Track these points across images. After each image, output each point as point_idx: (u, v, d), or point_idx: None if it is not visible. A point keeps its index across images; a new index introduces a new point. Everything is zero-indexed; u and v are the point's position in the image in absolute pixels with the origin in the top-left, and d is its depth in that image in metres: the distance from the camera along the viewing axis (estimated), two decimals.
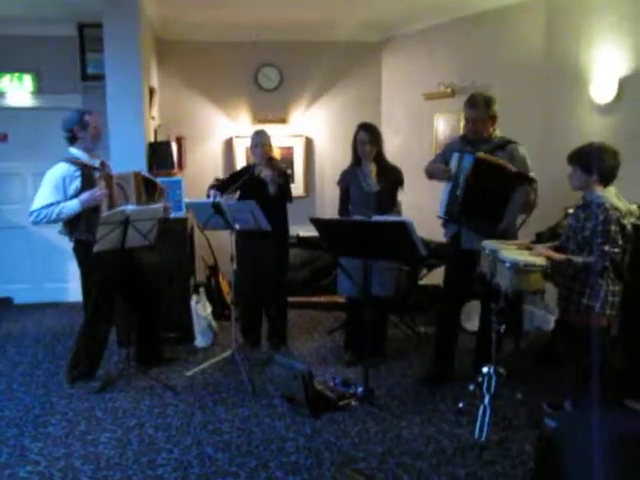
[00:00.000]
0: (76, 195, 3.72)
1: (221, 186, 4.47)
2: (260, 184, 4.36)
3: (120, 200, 3.83)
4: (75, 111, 3.89)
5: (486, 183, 3.46)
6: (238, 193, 4.51)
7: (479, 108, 3.63)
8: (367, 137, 4.12)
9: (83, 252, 3.79)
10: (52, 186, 3.71)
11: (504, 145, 3.65)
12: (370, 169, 4.16)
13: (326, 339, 4.87)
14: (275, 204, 4.39)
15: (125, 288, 4.02)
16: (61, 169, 3.75)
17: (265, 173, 4.35)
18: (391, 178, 4.19)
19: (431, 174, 3.94)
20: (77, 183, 3.74)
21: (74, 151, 3.84)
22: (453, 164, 3.67)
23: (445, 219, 3.79)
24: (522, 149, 3.65)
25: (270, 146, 4.55)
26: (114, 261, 3.77)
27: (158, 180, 4.26)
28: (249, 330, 4.67)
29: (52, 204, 3.68)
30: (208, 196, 4.36)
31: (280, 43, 6.09)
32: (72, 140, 3.84)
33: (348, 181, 4.27)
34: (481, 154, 3.50)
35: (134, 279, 4.04)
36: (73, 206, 3.70)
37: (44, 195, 3.71)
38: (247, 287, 4.57)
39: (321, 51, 6.13)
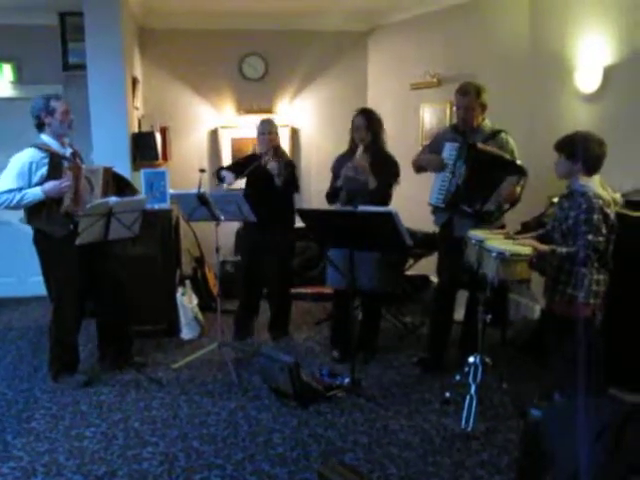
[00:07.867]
0: (41, 183, 3.55)
1: (229, 170, 4.46)
2: (267, 175, 4.27)
3: (86, 193, 3.66)
4: (41, 97, 3.68)
5: (484, 172, 3.48)
6: (244, 181, 4.45)
7: (469, 95, 3.66)
8: (362, 122, 3.99)
9: (43, 243, 3.67)
10: (17, 171, 3.54)
11: (495, 134, 3.68)
12: (357, 162, 3.89)
13: (314, 330, 4.86)
14: (281, 194, 4.34)
15: (89, 282, 3.84)
16: (28, 154, 3.59)
17: (271, 165, 4.24)
18: (382, 173, 3.92)
19: (421, 166, 3.91)
20: (43, 170, 3.58)
21: (45, 138, 3.68)
22: (448, 154, 3.68)
23: (441, 207, 3.79)
24: (511, 139, 3.70)
25: (277, 135, 4.50)
26: (77, 252, 3.61)
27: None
28: (244, 321, 4.64)
29: (14, 190, 3.52)
30: (220, 178, 4.41)
31: (265, 32, 6.01)
32: (40, 127, 3.67)
33: (337, 168, 4.14)
34: (480, 144, 3.52)
35: (100, 272, 3.87)
36: (35, 194, 3.53)
37: (7, 180, 3.55)
38: (249, 277, 4.55)
39: (307, 40, 6.06)
